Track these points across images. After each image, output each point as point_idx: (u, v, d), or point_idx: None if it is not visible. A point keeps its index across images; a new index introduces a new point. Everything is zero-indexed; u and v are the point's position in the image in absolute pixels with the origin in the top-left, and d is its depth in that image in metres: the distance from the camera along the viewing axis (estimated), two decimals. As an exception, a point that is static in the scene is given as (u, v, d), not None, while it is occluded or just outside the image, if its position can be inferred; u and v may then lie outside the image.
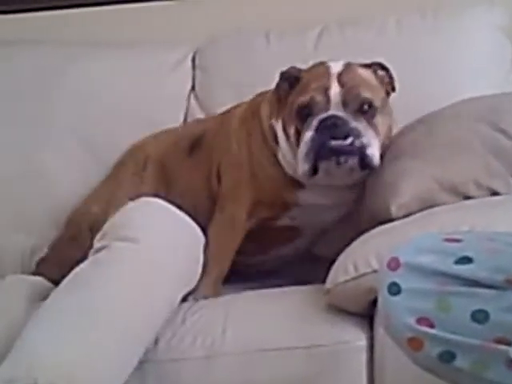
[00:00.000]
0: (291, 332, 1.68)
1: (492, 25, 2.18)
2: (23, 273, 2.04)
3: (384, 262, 1.27)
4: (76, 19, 2.46)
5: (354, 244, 1.69)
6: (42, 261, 2.04)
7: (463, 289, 1.22)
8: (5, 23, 2.48)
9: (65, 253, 1.94)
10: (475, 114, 1.82)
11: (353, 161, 1.77)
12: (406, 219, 1.70)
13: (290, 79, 1.85)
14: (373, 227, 1.71)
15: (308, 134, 1.77)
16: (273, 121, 1.88)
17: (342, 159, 1.76)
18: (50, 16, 2.47)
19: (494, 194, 1.72)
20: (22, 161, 2.23)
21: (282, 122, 1.85)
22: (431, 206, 1.71)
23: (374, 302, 1.59)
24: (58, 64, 2.33)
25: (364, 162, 1.76)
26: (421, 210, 1.71)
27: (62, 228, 2.10)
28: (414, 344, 1.23)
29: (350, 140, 1.75)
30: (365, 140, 1.76)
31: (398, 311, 1.24)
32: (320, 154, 1.76)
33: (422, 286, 1.23)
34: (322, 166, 1.78)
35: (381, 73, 1.86)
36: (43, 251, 2.08)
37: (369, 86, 1.81)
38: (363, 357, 1.64)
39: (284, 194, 1.87)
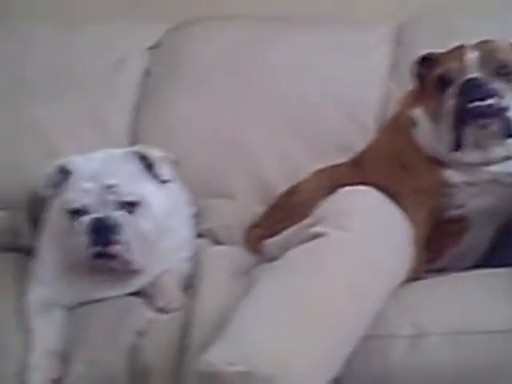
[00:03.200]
0: (499, 314, 1.65)
1: None
2: (224, 238, 2.09)
3: None
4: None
5: None
6: (251, 228, 2.08)
7: None
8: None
9: (277, 224, 1.96)
10: None
11: (496, 125, 1.73)
12: None
13: (428, 63, 1.85)
14: None
15: (449, 103, 1.76)
16: (411, 109, 1.87)
17: (484, 122, 1.73)
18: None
19: None
20: (223, 130, 2.30)
21: (425, 104, 1.84)
22: None
23: None
24: (257, 39, 2.39)
25: (506, 126, 1.72)
26: None
27: (267, 196, 2.18)
28: None
29: (490, 101, 1.72)
30: (505, 103, 1.73)
31: None
32: (461, 118, 1.74)
33: None
34: (466, 133, 1.74)
35: None
36: (249, 218, 2.11)
37: (506, 51, 1.78)
38: None
39: (431, 176, 1.84)
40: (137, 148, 1.83)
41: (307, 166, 2.16)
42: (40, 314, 1.82)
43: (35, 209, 2.00)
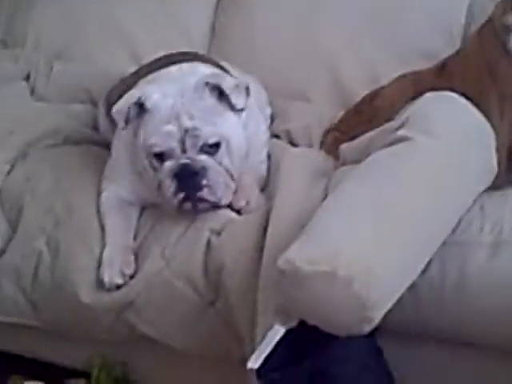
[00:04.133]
0: None
1: None
2: (301, 139, 2.08)
3: None
4: None
5: None
6: (329, 131, 2.07)
7: None
8: None
9: (356, 128, 1.94)
10: None
11: None
12: None
13: None
14: None
15: None
16: (505, 17, 1.82)
17: None
18: None
19: None
20: (304, 33, 2.28)
21: None
22: None
23: None
24: None
25: None
26: None
27: (345, 101, 2.17)
28: None
29: None
30: None
31: None
32: None
33: None
34: None
35: None
36: (326, 122, 2.10)
37: None
38: None
39: None
40: (209, 77, 1.77)
41: (387, 71, 2.13)
42: (115, 211, 1.84)
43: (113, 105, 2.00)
